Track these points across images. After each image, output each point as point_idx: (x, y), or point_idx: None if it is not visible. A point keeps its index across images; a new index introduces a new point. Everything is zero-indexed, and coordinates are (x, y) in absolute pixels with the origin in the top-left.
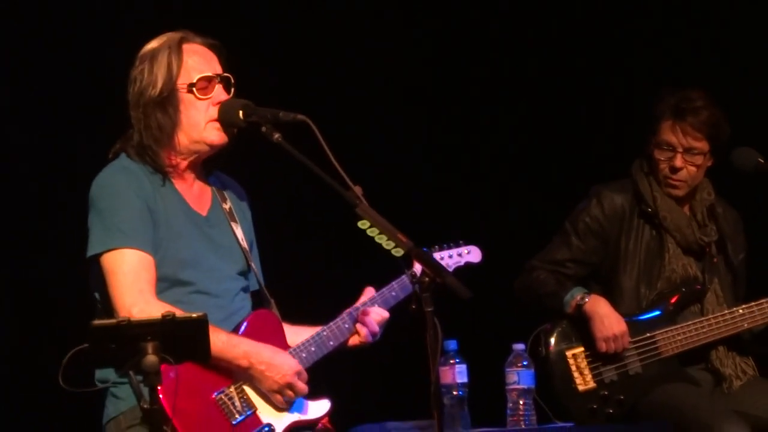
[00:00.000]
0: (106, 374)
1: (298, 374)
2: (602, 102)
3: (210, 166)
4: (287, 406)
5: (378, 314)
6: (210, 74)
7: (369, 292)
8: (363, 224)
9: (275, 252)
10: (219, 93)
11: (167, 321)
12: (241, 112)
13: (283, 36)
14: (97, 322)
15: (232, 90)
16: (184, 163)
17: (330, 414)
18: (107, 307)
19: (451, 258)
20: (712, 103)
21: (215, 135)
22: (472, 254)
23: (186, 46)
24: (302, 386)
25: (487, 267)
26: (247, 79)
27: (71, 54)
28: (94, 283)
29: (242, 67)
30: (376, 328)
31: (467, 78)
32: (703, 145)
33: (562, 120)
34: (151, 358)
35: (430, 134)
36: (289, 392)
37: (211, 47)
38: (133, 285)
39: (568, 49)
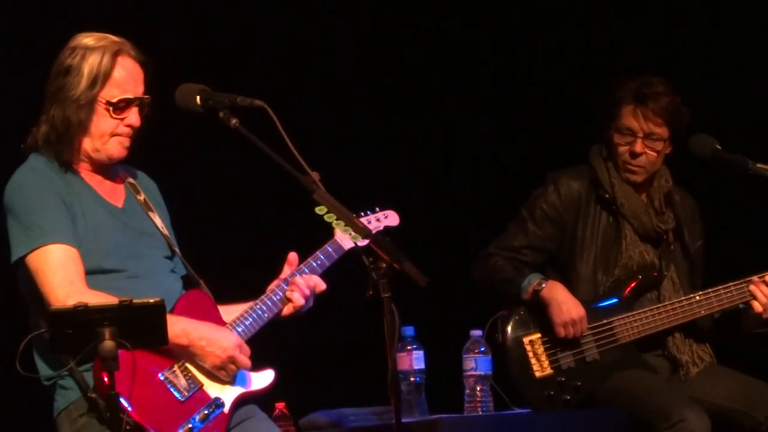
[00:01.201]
0: (48, 371)
1: (240, 347)
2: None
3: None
4: (231, 380)
5: (309, 280)
6: (131, 97)
7: (293, 258)
8: (320, 210)
9: (202, 233)
10: (132, 116)
11: (124, 306)
12: (198, 98)
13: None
14: (55, 307)
15: (145, 111)
16: (87, 165)
17: (274, 384)
18: (42, 308)
19: (369, 224)
20: (673, 89)
21: (116, 149)
22: (389, 218)
23: (120, 59)
24: (244, 359)
25: (445, 253)
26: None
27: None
28: (24, 286)
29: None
30: (307, 293)
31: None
32: (663, 130)
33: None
34: (108, 344)
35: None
36: (232, 366)
37: (142, 64)
38: (63, 279)
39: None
